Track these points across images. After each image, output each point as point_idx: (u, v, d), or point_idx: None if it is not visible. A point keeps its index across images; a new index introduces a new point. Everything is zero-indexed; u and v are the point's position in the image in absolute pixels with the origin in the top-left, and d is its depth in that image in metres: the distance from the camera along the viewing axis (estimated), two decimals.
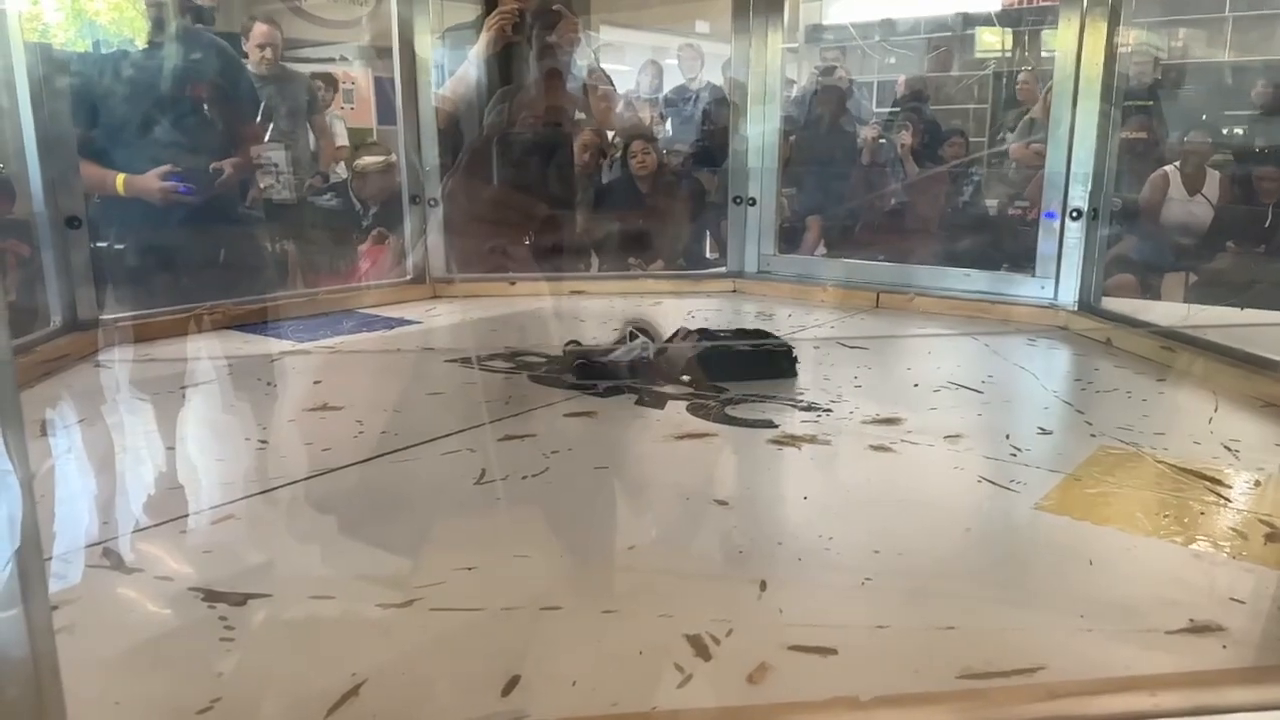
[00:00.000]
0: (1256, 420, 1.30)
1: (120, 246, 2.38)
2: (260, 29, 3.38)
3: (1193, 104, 5.06)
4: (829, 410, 1.32)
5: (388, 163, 3.57)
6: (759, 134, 2.39)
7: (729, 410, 1.32)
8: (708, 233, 4.18)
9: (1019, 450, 1.15)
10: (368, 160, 3.73)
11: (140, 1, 2.40)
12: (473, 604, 0.77)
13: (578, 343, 1.60)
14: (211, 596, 0.78)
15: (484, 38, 2.37)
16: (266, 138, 3.28)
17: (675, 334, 1.61)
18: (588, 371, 1.48)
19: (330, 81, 4.47)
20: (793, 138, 4.52)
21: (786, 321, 2.03)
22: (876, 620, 0.75)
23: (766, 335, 1.62)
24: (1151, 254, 3.97)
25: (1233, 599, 0.79)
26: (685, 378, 1.45)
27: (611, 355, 1.50)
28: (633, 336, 1.52)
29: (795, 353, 1.53)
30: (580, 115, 2.92)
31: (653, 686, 0.66)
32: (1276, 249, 3.77)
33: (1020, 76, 5.21)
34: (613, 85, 3.68)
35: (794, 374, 1.51)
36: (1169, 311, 2.57)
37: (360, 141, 4.74)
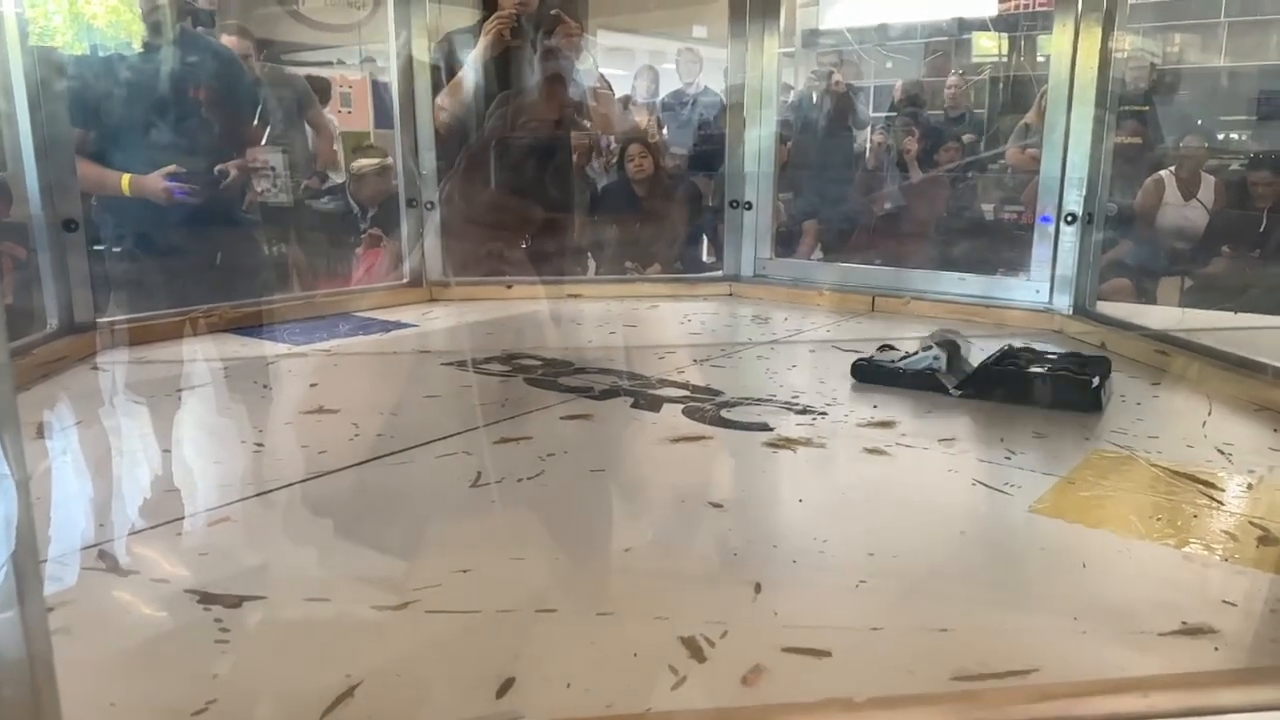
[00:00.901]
0: (1250, 424, 1.31)
1: (117, 249, 2.39)
2: (228, 40, 3.35)
3: (1188, 109, 5.08)
4: (824, 413, 1.33)
5: (384, 165, 3.57)
6: (755, 138, 2.40)
7: (724, 413, 1.32)
8: (705, 237, 4.20)
9: (1013, 453, 1.16)
10: (364, 163, 3.73)
11: (139, 5, 2.40)
12: (468, 606, 0.77)
13: (891, 347, 1.54)
14: (207, 599, 0.78)
15: (482, 42, 2.38)
16: (264, 140, 3.28)
17: (1000, 350, 1.51)
18: (866, 373, 1.48)
19: (322, 87, 4.45)
20: (789, 143, 4.53)
21: (783, 325, 2.04)
22: (871, 622, 0.75)
23: (1086, 362, 1.43)
24: (1147, 258, 3.99)
25: (1225, 601, 0.79)
26: (957, 391, 1.40)
27: (900, 361, 1.47)
28: (927, 348, 1.46)
29: (1098, 384, 1.35)
30: (581, 119, 2.93)
31: (647, 688, 0.66)
32: (1271, 254, 3.79)
33: (950, 80, 5.19)
34: (612, 90, 3.69)
35: (1098, 409, 1.33)
36: (1164, 316, 2.58)
37: (357, 144, 4.74)
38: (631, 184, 3.97)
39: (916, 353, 1.47)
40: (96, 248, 2.23)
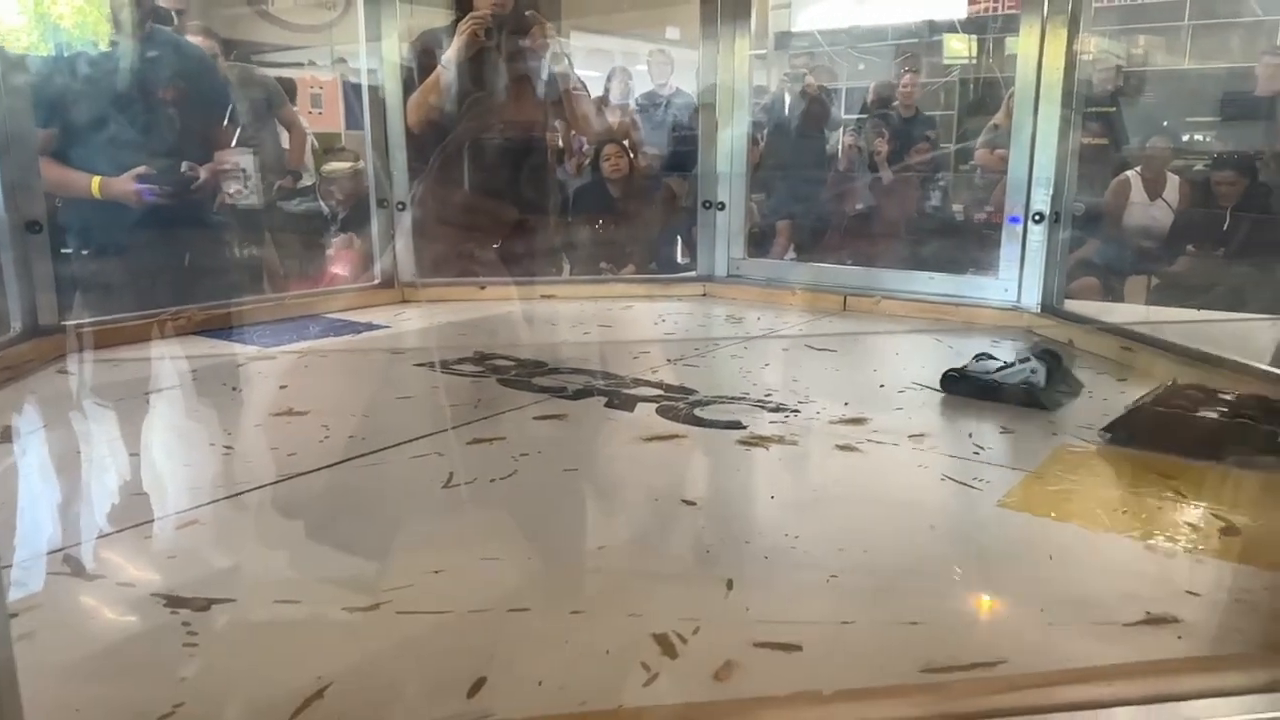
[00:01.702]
0: None
1: (85, 251, 2.35)
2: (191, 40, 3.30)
3: (1153, 110, 5.15)
4: (796, 411, 1.33)
5: (355, 169, 3.55)
6: (728, 139, 2.41)
7: (698, 412, 1.32)
8: (679, 238, 4.21)
9: (982, 449, 1.17)
10: (335, 166, 3.70)
11: (107, 5, 2.38)
12: (440, 606, 0.77)
13: (990, 355, 1.43)
14: (174, 602, 0.77)
15: (457, 42, 2.37)
16: (234, 142, 3.25)
17: (1162, 386, 1.31)
18: (956, 384, 1.39)
19: (288, 88, 4.41)
20: (760, 144, 4.56)
21: (756, 324, 2.05)
22: (841, 616, 0.75)
23: (1271, 407, 1.18)
24: (1114, 257, 4.04)
25: (1188, 592, 0.80)
26: (1106, 435, 1.19)
27: (995, 373, 1.36)
28: (1025, 360, 1.35)
29: None
30: (555, 120, 2.92)
31: (620, 685, 0.66)
32: (1234, 252, 3.85)
33: (904, 79, 5.21)
34: (587, 91, 3.68)
35: None
36: (1130, 313, 2.62)
37: (329, 146, 4.71)
38: (607, 184, 3.98)
39: (1014, 364, 1.37)
40: (63, 250, 2.20)
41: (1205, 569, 0.85)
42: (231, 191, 3.01)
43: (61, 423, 1.34)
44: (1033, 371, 1.34)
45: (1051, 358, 1.37)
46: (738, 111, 2.40)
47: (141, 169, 2.36)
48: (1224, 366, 1.46)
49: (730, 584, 0.81)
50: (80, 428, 1.33)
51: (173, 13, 2.79)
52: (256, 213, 3.28)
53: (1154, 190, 4.19)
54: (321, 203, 3.72)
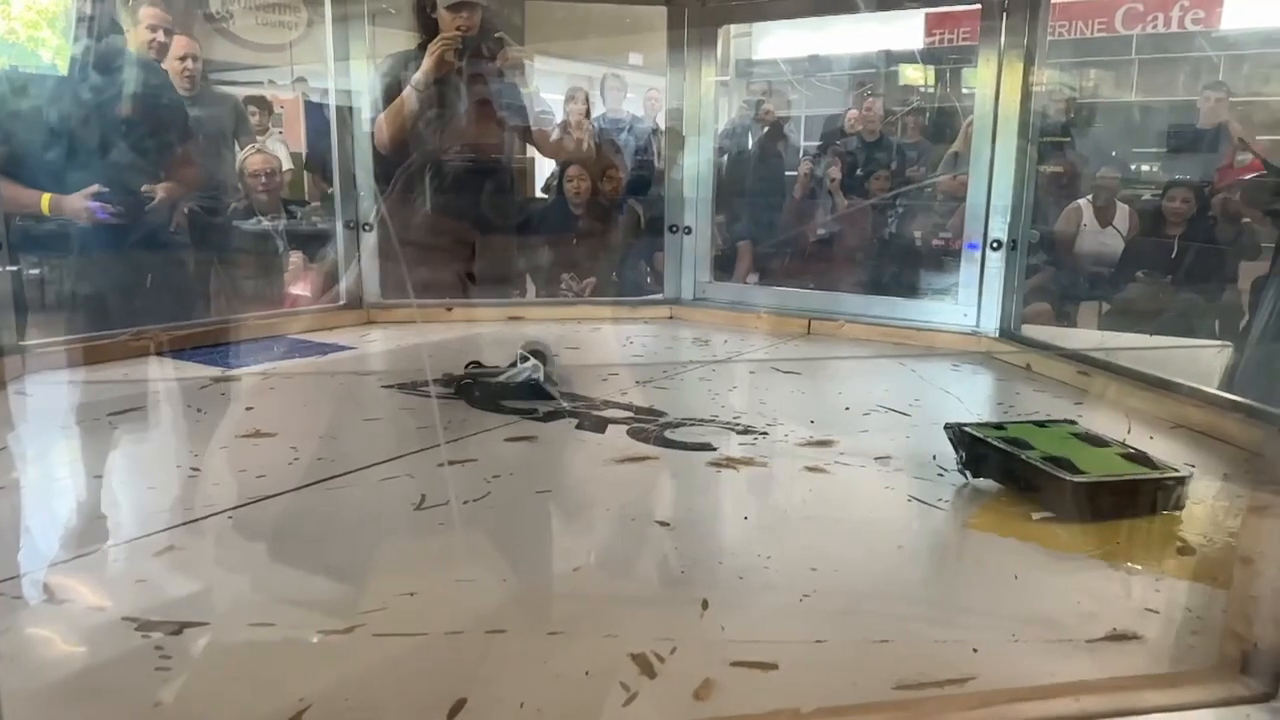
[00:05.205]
0: (1166, 440, 1.37)
1: (45, 270, 2.32)
2: (180, 40, 3.25)
3: (1104, 141, 5.31)
4: (765, 433, 1.35)
5: (265, 155, 3.52)
6: (694, 164, 2.44)
7: (668, 434, 1.34)
8: (642, 259, 4.24)
9: (945, 470, 1.19)
10: (249, 153, 3.65)
11: (71, 17, 2.35)
12: (417, 628, 0.77)
13: (479, 363, 1.59)
14: (146, 626, 0.76)
15: (426, 64, 2.37)
16: (195, 159, 3.21)
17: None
18: (471, 393, 1.48)
19: (264, 105, 4.39)
20: (721, 169, 4.62)
21: (723, 347, 2.07)
22: (815, 635, 0.77)
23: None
24: (1067, 283, 4.15)
25: (1148, 609, 0.83)
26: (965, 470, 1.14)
27: (500, 377, 1.50)
28: (524, 359, 1.50)
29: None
30: (522, 142, 2.94)
31: (599, 706, 0.67)
32: (1182, 278, 3.97)
33: (866, 103, 5.30)
34: (552, 113, 3.71)
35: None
36: (1085, 338, 2.69)
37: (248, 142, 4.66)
38: (569, 205, 3.99)
39: (514, 365, 1.52)
40: (19, 269, 2.16)
41: (1163, 587, 0.88)
42: (186, 210, 2.97)
43: (19, 445, 1.31)
44: (534, 368, 1.49)
45: (539, 355, 1.52)
46: (703, 138, 2.44)
47: (94, 187, 2.33)
48: (1175, 390, 1.50)
49: (705, 604, 0.82)
50: (41, 450, 1.31)
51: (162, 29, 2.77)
52: (216, 231, 3.23)
53: (1104, 218, 4.31)
54: (250, 200, 3.64)
